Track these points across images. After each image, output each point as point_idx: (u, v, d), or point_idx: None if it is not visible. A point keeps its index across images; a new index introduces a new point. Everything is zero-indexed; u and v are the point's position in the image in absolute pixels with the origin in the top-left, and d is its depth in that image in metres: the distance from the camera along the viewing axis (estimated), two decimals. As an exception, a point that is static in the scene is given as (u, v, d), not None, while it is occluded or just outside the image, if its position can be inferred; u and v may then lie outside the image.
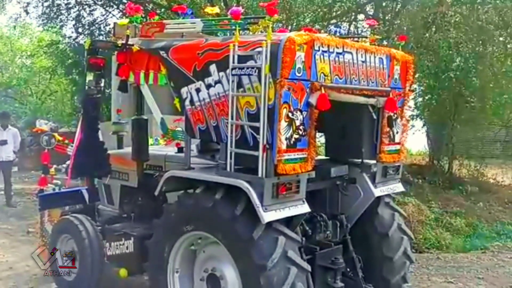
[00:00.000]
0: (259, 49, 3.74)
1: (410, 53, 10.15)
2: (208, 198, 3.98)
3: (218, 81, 4.07)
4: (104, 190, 6.05)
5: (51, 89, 20.78)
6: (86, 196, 6.04)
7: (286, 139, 3.74)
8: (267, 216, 3.72)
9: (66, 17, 15.52)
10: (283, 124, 3.71)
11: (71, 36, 15.95)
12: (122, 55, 4.87)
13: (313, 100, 3.86)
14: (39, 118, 15.02)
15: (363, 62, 4.32)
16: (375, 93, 4.46)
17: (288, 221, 4.04)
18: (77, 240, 5.48)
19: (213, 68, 4.09)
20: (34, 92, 21.10)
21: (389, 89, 4.60)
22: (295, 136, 3.82)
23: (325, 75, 3.98)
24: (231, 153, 3.95)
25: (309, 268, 3.94)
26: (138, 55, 4.77)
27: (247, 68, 3.80)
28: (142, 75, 4.76)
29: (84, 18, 15.57)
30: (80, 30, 15.59)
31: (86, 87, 5.22)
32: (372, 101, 4.44)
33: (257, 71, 3.74)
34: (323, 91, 3.86)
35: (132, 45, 4.76)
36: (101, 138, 5.33)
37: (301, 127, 3.85)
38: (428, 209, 10.40)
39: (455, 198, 11.46)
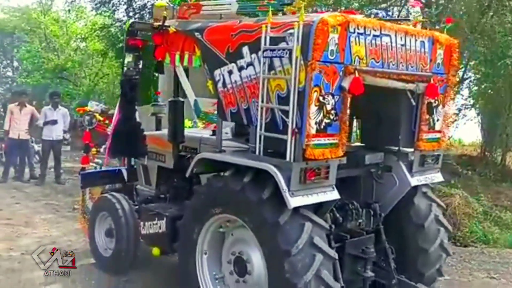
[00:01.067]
0: (291, 30, 3.65)
1: (463, 39, 9.74)
2: (237, 181, 3.95)
3: (250, 63, 4.01)
4: (142, 171, 6.15)
5: (103, 72, 21.28)
6: (126, 176, 6.16)
7: (316, 123, 3.65)
8: (294, 201, 3.65)
9: (118, 1, 15.82)
10: (313, 108, 3.61)
11: (122, 20, 16.23)
12: (159, 37, 4.89)
13: (346, 84, 3.74)
14: (92, 99, 15.48)
15: (402, 45, 4.14)
16: (414, 78, 4.27)
17: (317, 208, 3.96)
18: (114, 218, 5.61)
19: (245, 50, 4.03)
20: (88, 75, 21.68)
21: (430, 74, 4.41)
22: (326, 120, 3.72)
23: (360, 58, 3.84)
24: (260, 136, 3.89)
25: (335, 256, 3.85)
26: (174, 37, 4.78)
27: (279, 50, 3.72)
28: (177, 56, 4.77)
29: (136, 2, 15.82)
30: (131, 14, 15.85)
31: (125, 68, 5.28)
32: (411, 86, 4.26)
33: (288, 53, 3.65)
34: (357, 75, 3.73)
35: (169, 26, 4.76)
36: (138, 119, 5.40)
37: (332, 112, 3.75)
38: (477, 202, 9.99)
39: (507, 192, 10.97)
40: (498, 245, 8.69)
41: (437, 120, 4.64)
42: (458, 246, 8.38)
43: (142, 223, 5.29)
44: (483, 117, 13.69)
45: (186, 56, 4.68)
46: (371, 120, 4.80)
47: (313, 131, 3.65)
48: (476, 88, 13.30)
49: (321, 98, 3.65)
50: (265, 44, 3.80)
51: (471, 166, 12.10)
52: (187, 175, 4.55)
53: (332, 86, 3.71)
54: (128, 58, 5.28)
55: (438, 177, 4.86)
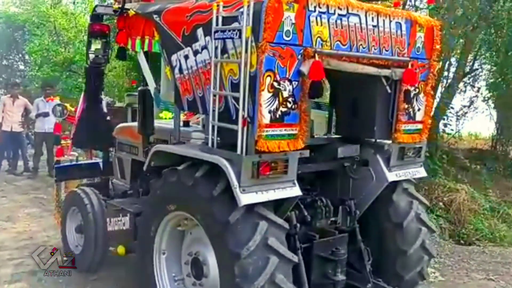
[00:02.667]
0: (243, 9, 3.29)
1: (472, 27, 9.20)
2: (189, 175, 3.62)
3: (205, 47, 3.66)
4: (117, 164, 5.86)
5: (111, 65, 21.09)
6: (102, 169, 5.89)
7: (270, 112, 3.29)
8: (245, 198, 3.31)
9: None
10: (266, 94, 3.26)
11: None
12: (121, 20, 4.59)
13: (305, 68, 3.37)
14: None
15: (374, 26, 3.76)
16: (389, 63, 3.88)
17: (278, 205, 3.61)
18: (83, 213, 5.34)
19: (200, 32, 3.69)
20: (96, 68, 21.46)
21: (407, 59, 4.01)
22: (282, 109, 3.36)
23: (322, 40, 3.47)
24: (213, 126, 3.55)
25: (295, 258, 3.50)
26: (134, 20, 4.46)
27: (229, 30, 3.37)
28: (138, 41, 4.45)
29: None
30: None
31: (90, 55, 4.98)
32: (385, 72, 3.88)
33: (239, 34, 3.30)
34: (317, 59, 3.36)
35: (128, 9, 4.44)
36: (104, 109, 5.11)
37: (290, 99, 3.39)
38: (484, 198, 9.53)
39: (517, 187, 10.46)
40: (505, 243, 8.24)
41: (418, 109, 4.24)
42: (461, 245, 7.95)
43: (107, 219, 5.00)
44: (496, 110, 13.11)
45: (147, 41, 4.37)
46: (346, 109, 4.43)
47: (267, 121, 3.29)
48: (487, 79, 12.73)
49: (275, 84, 3.29)
50: (216, 25, 3.45)
51: (480, 161, 11.58)
52: (144, 168, 4.24)
53: (289, 71, 3.35)
54: (95, 45, 4.97)
55: (420, 171, 4.46)
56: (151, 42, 4.31)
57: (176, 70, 3.94)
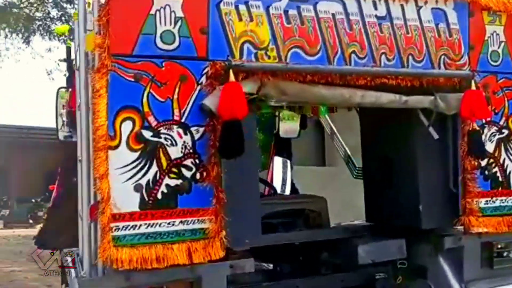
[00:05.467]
0: None
1: None
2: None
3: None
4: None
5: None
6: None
7: (128, 191, 1.67)
8: None
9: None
10: (118, 155, 1.66)
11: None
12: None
13: (210, 101, 1.72)
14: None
15: (381, 18, 2.01)
16: (428, 83, 2.05)
17: None
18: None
19: None
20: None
21: (468, 73, 2.11)
22: (168, 182, 1.72)
23: (256, 47, 1.81)
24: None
25: None
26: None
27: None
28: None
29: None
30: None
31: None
32: (419, 101, 2.04)
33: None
34: (233, 79, 1.71)
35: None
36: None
37: (187, 161, 1.74)
38: None
39: None
40: None
41: (506, 167, 2.22)
42: None
43: None
44: None
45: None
46: (375, 174, 2.54)
47: (127, 208, 1.67)
48: None
49: (142, 134, 1.68)
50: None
51: None
52: None
53: (181, 105, 1.73)
54: None
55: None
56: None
57: None
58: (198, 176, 1.75)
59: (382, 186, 2.43)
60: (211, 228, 1.75)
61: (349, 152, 3.81)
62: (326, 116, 3.82)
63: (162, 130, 1.72)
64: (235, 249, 1.85)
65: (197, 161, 1.76)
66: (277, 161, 3.77)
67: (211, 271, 1.78)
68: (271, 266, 2.38)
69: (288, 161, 3.72)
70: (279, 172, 3.74)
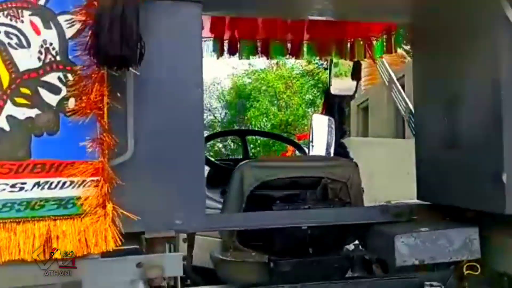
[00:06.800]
0: None
1: None
2: None
3: None
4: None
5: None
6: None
7: None
8: None
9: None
10: None
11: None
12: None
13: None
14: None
15: None
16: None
17: None
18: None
19: None
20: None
21: None
22: (15, 112, 0.96)
23: None
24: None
25: None
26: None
27: None
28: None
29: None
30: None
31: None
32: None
33: None
34: None
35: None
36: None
37: (49, 76, 0.97)
38: None
39: None
40: None
41: None
42: None
43: None
44: None
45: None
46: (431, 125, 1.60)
47: None
48: None
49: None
50: None
51: None
52: None
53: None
54: None
55: None
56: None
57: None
58: (70, 103, 0.98)
59: (443, 146, 1.51)
60: (94, 197, 0.98)
61: (410, 106, 2.87)
62: (384, 60, 2.91)
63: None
64: (148, 236, 1.06)
65: (68, 75, 0.98)
66: (318, 119, 2.97)
67: (97, 273, 1.01)
68: (265, 258, 1.57)
69: (333, 120, 2.90)
70: (322, 132, 2.98)
